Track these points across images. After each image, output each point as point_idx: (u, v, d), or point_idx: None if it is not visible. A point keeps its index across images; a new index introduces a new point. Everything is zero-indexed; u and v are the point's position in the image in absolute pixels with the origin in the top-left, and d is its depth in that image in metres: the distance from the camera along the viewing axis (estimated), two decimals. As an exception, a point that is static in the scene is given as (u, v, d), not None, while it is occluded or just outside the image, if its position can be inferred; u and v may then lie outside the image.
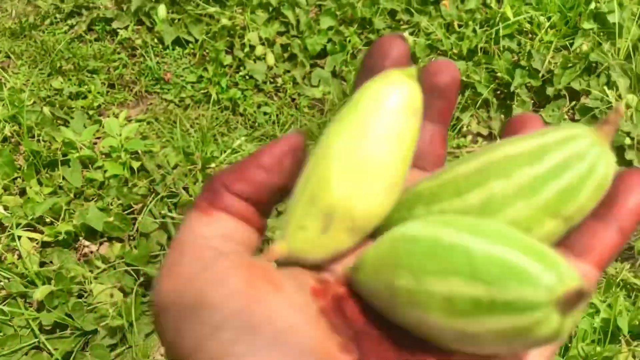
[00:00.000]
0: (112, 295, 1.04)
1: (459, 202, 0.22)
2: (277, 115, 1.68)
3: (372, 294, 0.22)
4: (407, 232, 0.21)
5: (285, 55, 1.77)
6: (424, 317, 0.20)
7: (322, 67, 1.74)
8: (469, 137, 1.65)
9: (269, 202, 0.23)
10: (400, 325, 0.22)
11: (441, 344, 0.21)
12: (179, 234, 0.22)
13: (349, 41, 1.74)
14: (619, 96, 1.54)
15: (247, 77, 1.75)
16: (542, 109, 1.59)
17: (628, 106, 1.50)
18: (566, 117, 1.56)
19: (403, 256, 0.20)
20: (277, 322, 0.19)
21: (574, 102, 1.59)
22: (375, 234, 0.24)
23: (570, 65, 1.58)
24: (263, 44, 1.78)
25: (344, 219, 0.22)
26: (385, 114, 0.22)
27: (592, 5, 1.66)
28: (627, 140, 1.48)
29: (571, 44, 1.65)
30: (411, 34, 1.74)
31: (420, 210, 0.23)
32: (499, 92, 1.66)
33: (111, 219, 1.15)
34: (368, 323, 0.22)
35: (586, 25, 1.65)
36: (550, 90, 1.58)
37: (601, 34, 1.66)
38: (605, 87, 1.55)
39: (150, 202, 1.21)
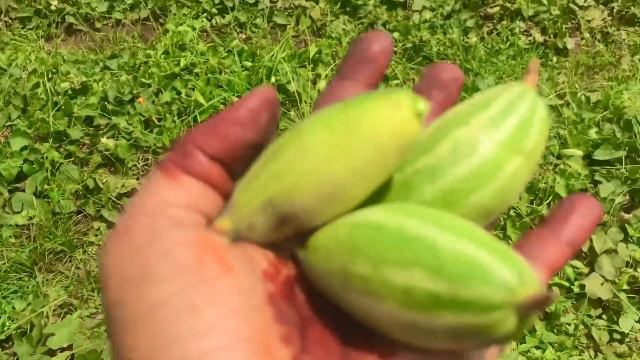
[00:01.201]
0: None
1: (430, 157, 0.22)
2: (-22, 255, 1.52)
3: (323, 278, 0.22)
4: (370, 219, 0.20)
5: (-22, 187, 1.63)
6: (377, 306, 0.19)
7: (23, 190, 1.63)
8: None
9: (240, 162, 0.22)
10: (349, 312, 0.21)
11: (390, 335, 0.20)
12: (138, 196, 0.20)
13: (47, 157, 1.66)
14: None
15: None
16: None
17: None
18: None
19: (362, 242, 0.20)
20: (220, 306, 0.18)
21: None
22: None
23: (264, 137, 1.71)
24: (-52, 181, 1.61)
25: (296, 225, 0.22)
26: (374, 146, 0.20)
27: (273, 79, 1.83)
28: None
29: (262, 117, 1.79)
30: (111, 136, 1.72)
31: (396, 174, 0.23)
32: (209, 175, 1.72)
33: None
34: (316, 309, 0.22)
35: (271, 97, 1.80)
36: (253, 164, 1.69)
37: (286, 102, 1.83)
38: (299, 150, 1.70)
39: None
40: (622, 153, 1.67)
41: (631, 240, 1.53)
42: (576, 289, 1.44)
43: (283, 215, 0.21)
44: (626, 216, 1.59)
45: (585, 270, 1.48)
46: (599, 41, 2.38)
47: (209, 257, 0.19)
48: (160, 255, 0.19)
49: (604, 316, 1.41)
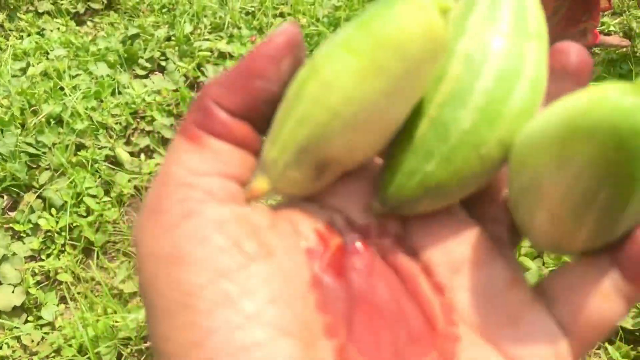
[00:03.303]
0: None
1: (447, 84, 0.20)
2: None
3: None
4: None
5: None
6: None
7: None
8: None
9: (264, 116, 0.20)
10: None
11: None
12: (165, 165, 0.19)
13: None
14: None
15: None
16: None
17: None
18: None
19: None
20: (258, 295, 0.17)
21: None
22: None
23: None
24: None
25: (340, 167, 0.20)
26: (405, 60, 0.18)
27: None
28: None
29: None
30: None
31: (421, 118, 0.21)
32: None
33: None
34: (370, 285, 0.20)
35: None
36: None
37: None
38: None
39: None
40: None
41: None
42: None
43: (321, 161, 0.20)
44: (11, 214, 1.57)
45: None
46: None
47: (247, 239, 0.18)
48: (193, 237, 0.17)
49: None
